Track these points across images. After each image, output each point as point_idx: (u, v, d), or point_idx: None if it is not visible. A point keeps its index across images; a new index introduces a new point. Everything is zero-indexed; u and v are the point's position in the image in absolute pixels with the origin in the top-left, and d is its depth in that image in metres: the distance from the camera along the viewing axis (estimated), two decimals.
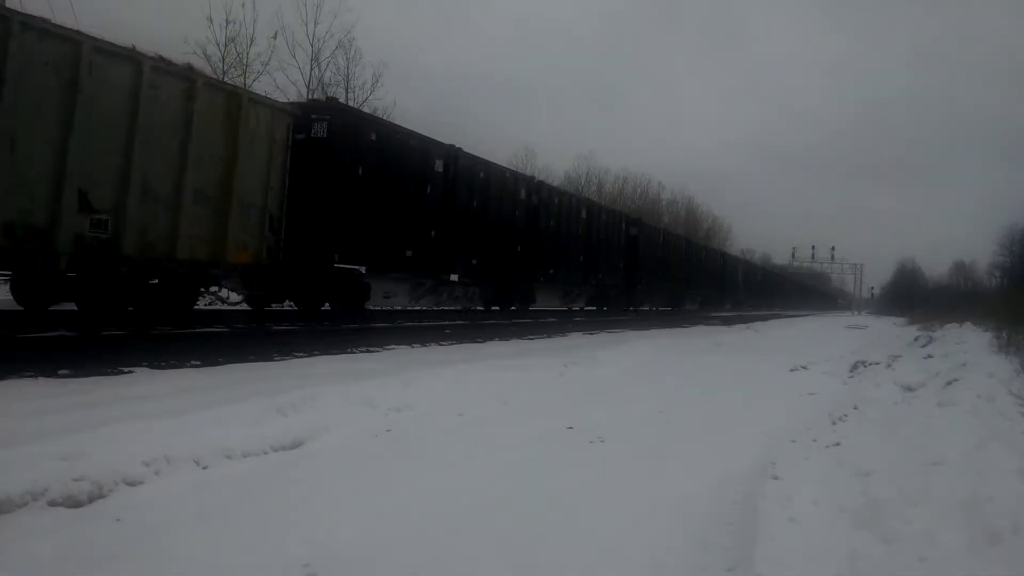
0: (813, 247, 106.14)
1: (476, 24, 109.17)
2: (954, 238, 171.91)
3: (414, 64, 79.58)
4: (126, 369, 8.34)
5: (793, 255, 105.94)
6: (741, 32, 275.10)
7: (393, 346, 13.07)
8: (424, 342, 14.25)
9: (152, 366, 8.69)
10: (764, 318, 48.11)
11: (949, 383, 9.15)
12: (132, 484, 4.64)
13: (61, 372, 7.78)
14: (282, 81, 30.67)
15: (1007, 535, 3.14)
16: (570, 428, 7.30)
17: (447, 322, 18.12)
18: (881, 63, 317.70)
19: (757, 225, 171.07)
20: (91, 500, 4.36)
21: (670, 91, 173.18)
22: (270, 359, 10.10)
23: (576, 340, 18.70)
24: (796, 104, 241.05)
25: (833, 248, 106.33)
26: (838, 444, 6.57)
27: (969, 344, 15.26)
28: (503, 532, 4.25)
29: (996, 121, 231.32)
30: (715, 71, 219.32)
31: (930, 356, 14.97)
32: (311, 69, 32.01)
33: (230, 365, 9.22)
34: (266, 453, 5.65)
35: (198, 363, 9.18)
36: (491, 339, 16.26)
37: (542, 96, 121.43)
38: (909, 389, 10.50)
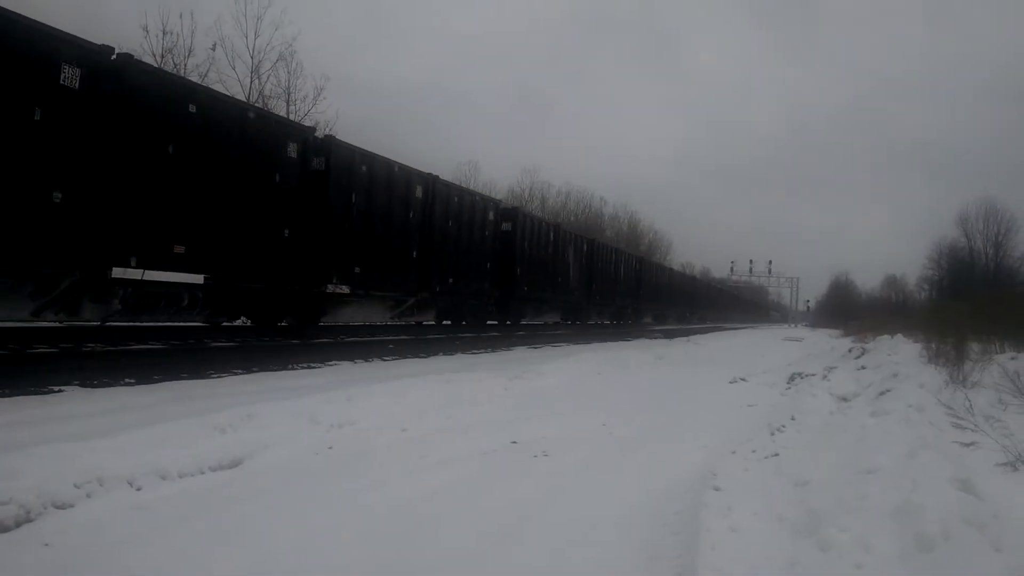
0: (751, 261, 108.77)
1: (406, 36, 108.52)
2: (886, 252, 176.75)
3: (351, 76, 79.01)
4: (56, 388, 8.08)
5: (732, 269, 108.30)
6: (674, 49, 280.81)
7: (335, 362, 12.92)
8: (367, 357, 14.11)
9: (84, 384, 8.43)
10: (704, 331, 48.90)
11: (882, 393, 9.39)
12: (61, 507, 4.48)
13: None
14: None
15: (938, 541, 3.22)
16: (514, 443, 7.30)
17: (391, 337, 17.94)
18: (814, 81, 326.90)
19: (697, 239, 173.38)
20: (18, 524, 4.20)
21: (607, 107, 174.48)
22: (207, 376, 9.88)
23: (521, 354, 18.74)
24: (730, 121, 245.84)
25: (770, 262, 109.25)
26: (776, 454, 6.69)
27: (900, 355, 15.68)
28: (446, 551, 4.21)
29: (925, 139, 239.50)
30: (649, 87, 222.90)
31: (863, 367, 15.36)
32: (251, 81, 31.54)
33: (166, 383, 9.00)
34: (203, 473, 5.51)
35: (132, 381, 8.94)
36: (435, 354, 16.18)
37: (482, 111, 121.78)
38: (844, 400, 10.75)
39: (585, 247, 31.55)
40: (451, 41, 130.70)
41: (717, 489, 5.19)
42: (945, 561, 3.09)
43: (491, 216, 22.26)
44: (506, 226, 23.67)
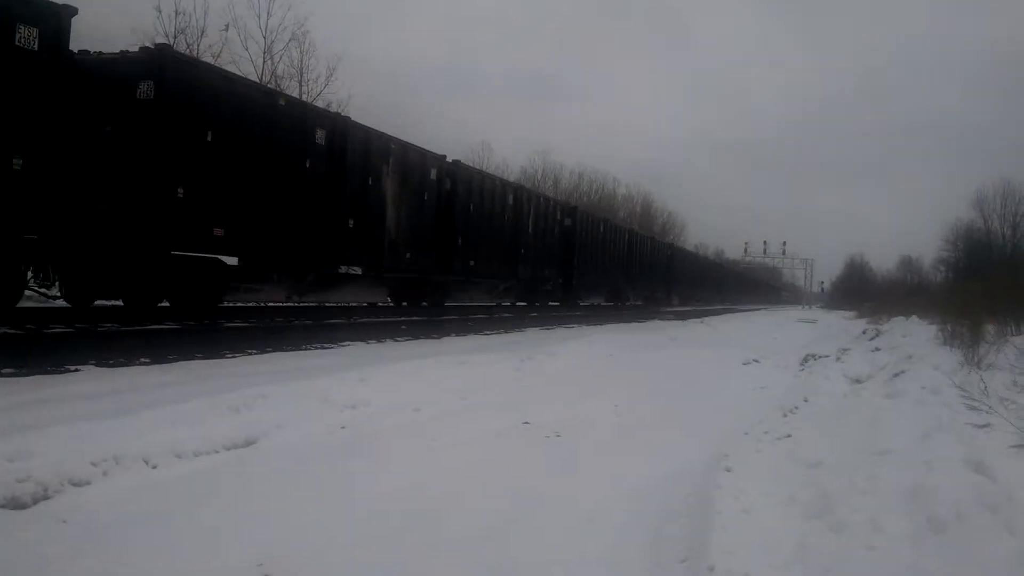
0: (765, 242, 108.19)
1: (414, 17, 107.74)
2: (902, 234, 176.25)
3: (362, 56, 78.82)
4: (72, 367, 8.15)
5: (745, 250, 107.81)
6: (686, 28, 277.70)
7: (348, 343, 12.97)
8: (380, 338, 14.16)
9: (100, 364, 8.51)
10: (717, 312, 48.75)
11: (896, 375, 9.36)
12: (79, 485, 4.53)
13: (5, 371, 7.59)
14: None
15: (951, 524, 3.21)
16: (526, 423, 7.32)
17: (404, 318, 18.00)
18: (825, 61, 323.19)
19: (711, 220, 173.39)
20: (35, 502, 4.25)
21: (617, 88, 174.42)
22: (222, 356, 9.95)
23: (533, 335, 18.75)
24: (743, 101, 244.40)
25: (784, 243, 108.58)
26: (789, 436, 6.68)
27: (915, 337, 15.63)
28: (459, 529, 4.24)
29: (940, 118, 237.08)
30: (658, 68, 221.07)
31: (877, 349, 15.30)
32: (264, 62, 31.54)
33: (181, 363, 9.07)
34: (217, 452, 5.56)
35: (147, 361, 9.01)
36: (447, 335, 16.23)
37: (492, 93, 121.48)
38: (858, 381, 10.73)
39: (627, 236, 36.46)
40: (459, 23, 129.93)
41: (729, 471, 5.19)
42: (958, 543, 3.09)
43: (558, 215, 27.93)
44: (567, 222, 28.61)
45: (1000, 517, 3.13)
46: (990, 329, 13.23)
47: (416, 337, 15.11)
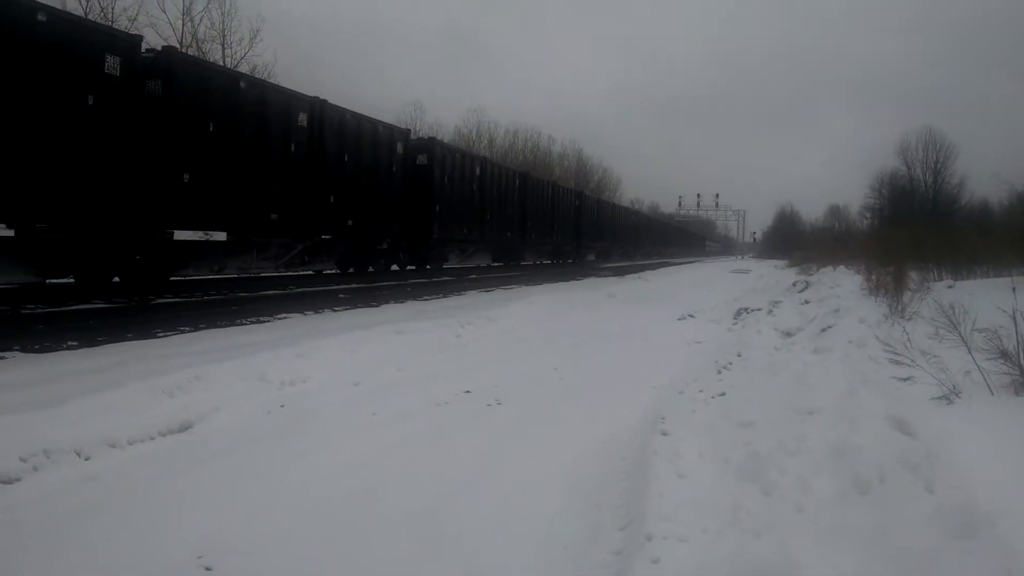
0: (698, 195, 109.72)
1: None
2: (830, 184, 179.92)
3: (286, 14, 76.55)
4: None
5: (680, 203, 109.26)
6: None
7: (285, 315, 12.78)
8: (318, 308, 13.99)
9: (25, 350, 8.23)
10: (654, 267, 49.42)
11: (824, 329, 9.65)
12: (7, 482, 4.42)
13: None
14: (153, 39, 29.07)
15: (875, 484, 3.35)
16: (467, 392, 7.37)
17: (343, 286, 17.81)
18: (745, 13, 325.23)
19: (646, 176, 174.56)
20: None
21: (545, 45, 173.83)
22: (154, 336, 9.71)
23: (472, 299, 18.74)
24: (666, 53, 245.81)
25: (717, 196, 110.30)
26: (723, 394, 6.87)
27: (842, 288, 16.09)
28: (399, 506, 4.27)
29: (864, 69, 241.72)
30: (589, 22, 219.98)
31: (807, 302, 15.73)
32: (183, 24, 30.42)
33: (111, 345, 8.82)
34: (153, 439, 5.47)
35: (75, 344, 8.75)
36: (386, 302, 16.12)
37: (421, 51, 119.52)
38: (788, 335, 11.04)
39: (517, 182, 30.29)
40: None
41: (665, 434, 5.32)
42: (881, 503, 3.23)
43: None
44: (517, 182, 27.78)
45: (920, 476, 3.27)
46: (913, 277, 13.70)
47: (355, 306, 14.97)
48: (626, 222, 58.39)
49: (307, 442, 5.49)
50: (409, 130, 22.35)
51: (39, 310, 10.72)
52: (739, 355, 9.47)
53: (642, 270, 40.50)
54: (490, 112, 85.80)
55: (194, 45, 29.57)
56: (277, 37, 66.39)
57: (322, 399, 6.86)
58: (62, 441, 4.94)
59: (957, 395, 4.75)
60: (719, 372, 8.47)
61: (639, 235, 64.68)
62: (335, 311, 14.01)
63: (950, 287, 12.41)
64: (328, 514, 4.14)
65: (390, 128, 20.10)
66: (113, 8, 27.63)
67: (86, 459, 4.93)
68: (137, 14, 28.28)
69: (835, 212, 77.55)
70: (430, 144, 22.82)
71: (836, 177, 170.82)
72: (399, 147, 20.28)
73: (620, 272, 37.44)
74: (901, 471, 3.36)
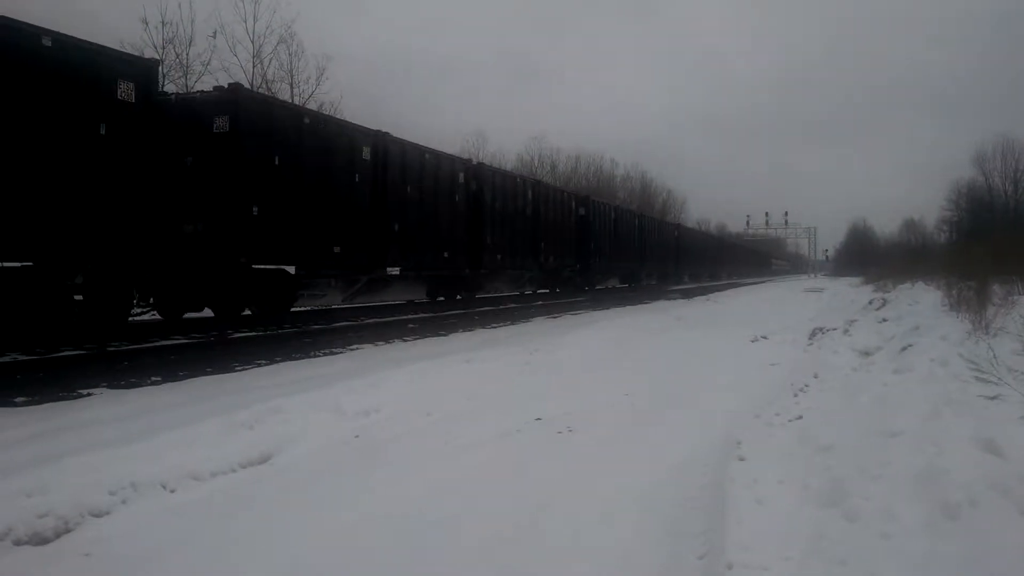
0: (767, 213, 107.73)
1: (382, 12, 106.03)
2: (904, 196, 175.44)
3: (346, 53, 78.40)
4: (85, 391, 8.21)
5: (748, 223, 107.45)
6: (655, 2, 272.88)
7: (357, 346, 13.01)
8: (388, 339, 14.20)
9: (111, 386, 8.56)
10: (723, 288, 48.72)
11: (904, 348, 9.36)
12: (98, 515, 4.58)
13: (18, 400, 7.64)
14: (225, 80, 30.12)
15: (964, 508, 3.23)
16: (538, 419, 7.35)
17: (410, 316, 18.05)
18: (805, 20, 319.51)
19: (710, 195, 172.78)
20: (57, 536, 4.30)
21: (601, 68, 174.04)
22: (232, 370, 9.99)
23: (540, 325, 18.78)
24: (722, 70, 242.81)
25: (786, 213, 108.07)
26: (800, 417, 6.70)
27: (921, 305, 15.61)
28: (477, 535, 4.28)
29: (933, 77, 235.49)
30: (637, 42, 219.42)
31: (885, 320, 15.28)
32: (253, 66, 31.48)
33: (192, 379, 9.12)
34: (234, 471, 5.60)
35: (159, 379, 9.07)
36: (455, 331, 16.26)
37: (480, 81, 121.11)
38: (866, 354, 10.73)
39: (636, 222, 38.64)
40: (427, 10, 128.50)
41: (742, 459, 5.22)
42: (971, 528, 3.11)
43: (572, 205, 29.97)
44: (582, 210, 30.38)
45: (1012, 499, 3.15)
46: (996, 291, 13.20)
47: (424, 336, 15.15)
48: (692, 243, 57.85)
49: (382, 472, 5.56)
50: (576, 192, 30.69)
51: (124, 347, 11.13)
52: (816, 376, 9.23)
53: (711, 292, 39.99)
54: (551, 138, 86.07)
55: (264, 86, 30.51)
56: (341, 74, 67.90)
57: (395, 429, 6.94)
58: (148, 474, 5.10)
59: None
60: (795, 395, 8.27)
61: (707, 256, 63.95)
62: (405, 341, 14.20)
63: None
64: (405, 543, 4.18)
65: (569, 192, 27.13)
66: (187, 55, 28.73)
67: (171, 491, 5.08)
68: (210, 59, 29.34)
69: (910, 226, 75.43)
70: (586, 200, 31.54)
71: (910, 190, 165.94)
72: (573, 204, 29.40)
73: (688, 294, 37.03)
74: (992, 495, 3.23)
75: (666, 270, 45.92)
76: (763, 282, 72.39)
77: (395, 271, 17.08)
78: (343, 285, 16.43)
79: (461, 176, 20.20)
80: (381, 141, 16.71)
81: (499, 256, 22.40)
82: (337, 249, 15.10)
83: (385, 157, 16.67)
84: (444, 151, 19.89)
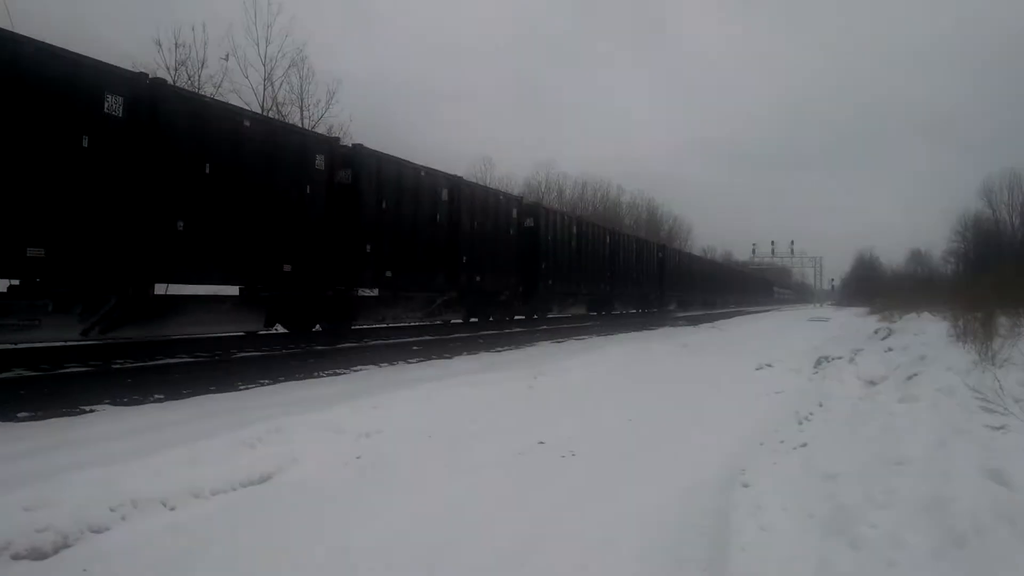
0: (772, 242, 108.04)
1: (396, 38, 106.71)
2: (910, 227, 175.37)
3: (357, 77, 79.06)
4: (88, 408, 8.19)
5: (753, 251, 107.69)
6: (662, 30, 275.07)
7: (359, 367, 12.98)
8: (391, 360, 14.17)
9: (114, 403, 8.54)
10: (728, 315, 48.62)
11: (910, 377, 9.31)
12: (98, 531, 4.55)
13: (20, 415, 7.63)
14: (236, 103, 30.34)
15: (971, 537, 3.20)
16: (541, 443, 7.31)
17: (413, 338, 18.02)
18: (813, 55, 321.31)
19: (716, 223, 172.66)
20: (56, 551, 4.27)
21: (608, 95, 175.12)
22: (235, 389, 9.97)
23: (545, 349, 18.72)
24: (732, 100, 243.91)
25: (792, 242, 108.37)
26: (805, 445, 6.66)
27: (927, 335, 15.55)
28: (477, 558, 4.24)
29: (942, 110, 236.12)
30: (645, 72, 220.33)
31: (890, 349, 15.22)
32: (264, 89, 31.75)
33: (195, 398, 9.09)
34: (235, 490, 5.57)
35: (161, 397, 9.04)
36: (459, 354, 16.22)
37: (488, 107, 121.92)
38: (872, 384, 10.68)
39: (608, 239, 32.02)
40: (439, 40, 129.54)
41: (746, 486, 5.18)
42: (979, 558, 3.07)
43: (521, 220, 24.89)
44: (529, 222, 24.55)
45: (1019, 528, 3.11)
46: (1003, 322, 13.16)
47: (428, 358, 15.11)
48: (701, 271, 57.63)
49: (381, 494, 5.53)
50: (522, 197, 25.47)
51: (128, 365, 11.12)
52: (820, 405, 9.19)
53: (717, 319, 39.89)
54: (559, 164, 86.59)
55: (275, 109, 30.75)
56: (350, 97, 68.45)
57: (396, 451, 6.90)
58: (149, 491, 5.08)
59: None
60: (800, 423, 8.23)
61: (715, 284, 63.73)
62: (408, 363, 14.16)
63: None
64: (403, 565, 4.14)
65: (508, 196, 23.10)
66: (199, 77, 28.99)
67: (171, 509, 5.05)
68: (222, 82, 29.59)
69: (917, 257, 75.33)
70: (535, 208, 25.78)
71: (916, 222, 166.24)
72: (514, 212, 22.74)
73: (695, 321, 36.95)
74: (999, 524, 3.19)
75: (647, 295, 39.66)
76: (768, 310, 72.26)
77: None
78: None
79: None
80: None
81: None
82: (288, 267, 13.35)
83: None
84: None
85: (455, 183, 19.27)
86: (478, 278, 20.19)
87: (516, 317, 24.61)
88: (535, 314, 26.14)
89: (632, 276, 35.14)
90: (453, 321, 20.96)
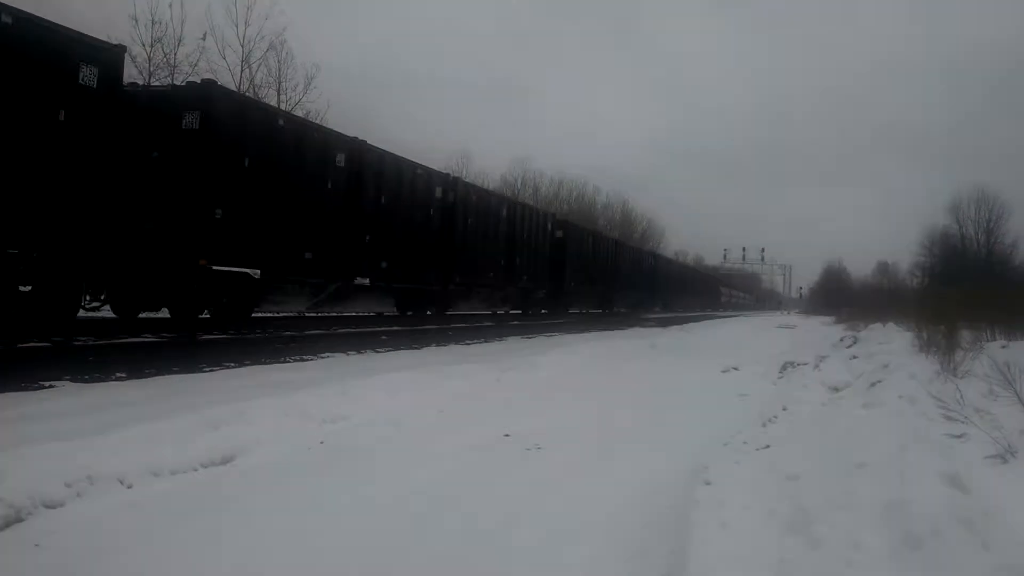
0: (744, 248, 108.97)
1: (368, 27, 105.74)
2: (879, 239, 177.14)
3: (337, 64, 78.47)
4: (47, 383, 8.05)
5: (725, 256, 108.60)
6: (636, 30, 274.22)
7: (328, 354, 12.90)
8: (360, 349, 14.09)
9: (75, 379, 8.40)
10: (697, 319, 48.95)
11: (873, 384, 9.41)
12: (52, 507, 4.46)
13: None
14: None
15: (928, 539, 3.23)
16: (507, 436, 7.30)
17: (384, 328, 17.94)
18: (790, 63, 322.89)
19: (688, 227, 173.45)
20: (7, 525, 4.18)
21: (586, 95, 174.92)
22: (199, 370, 9.85)
23: (513, 344, 18.74)
24: (707, 104, 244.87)
25: (763, 249, 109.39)
26: (768, 447, 6.71)
27: (892, 344, 15.74)
28: (436, 549, 4.22)
29: (915, 124, 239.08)
30: (621, 72, 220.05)
31: (855, 357, 15.39)
32: (242, 71, 31.38)
33: (158, 377, 8.98)
34: (195, 470, 5.50)
35: (124, 375, 8.91)
36: (428, 345, 16.18)
37: (465, 101, 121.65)
38: (836, 390, 10.79)
39: (614, 248, 38.98)
40: (415, 31, 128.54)
41: (708, 483, 5.20)
42: (935, 559, 3.10)
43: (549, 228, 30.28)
44: (559, 233, 30.53)
45: (976, 533, 3.15)
46: (965, 335, 13.35)
47: (397, 348, 15.06)
48: (668, 273, 58.11)
49: (345, 478, 5.48)
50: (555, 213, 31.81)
51: (91, 342, 10.95)
52: (785, 409, 9.26)
53: (686, 322, 40.15)
54: (535, 161, 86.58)
55: (251, 90, 30.40)
56: (328, 84, 67.85)
57: (362, 437, 6.86)
58: (106, 468, 4.99)
59: (1012, 454, 4.58)
60: (764, 425, 8.29)
61: (684, 287, 64.26)
62: (377, 352, 14.10)
63: (1004, 347, 12.05)
64: (361, 551, 4.11)
65: (546, 213, 29.59)
66: (175, 55, 28.59)
67: (128, 487, 4.97)
68: (199, 61, 29.20)
69: (884, 269, 76.26)
70: (564, 223, 32.28)
71: (885, 234, 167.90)
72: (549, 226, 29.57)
73: (664, 323, 37.15)
74: (956, 527, 3.23)
75: (640, 298, 45.89)
76: (736, 315, 72.86)
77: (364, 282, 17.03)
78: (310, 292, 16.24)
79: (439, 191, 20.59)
80: (357, 148, 16.58)
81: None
82: (308, 255, 14.90)
83: (360, 165, 16.58)
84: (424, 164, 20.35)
85: (511, 204, 26.89)
86: (524, 277, 27.04)
87: (542, 311, 30.68)
88: (560, 309, 32.21)
89: (632, 281, 40.88)
90: (511, 311, 28.05)
